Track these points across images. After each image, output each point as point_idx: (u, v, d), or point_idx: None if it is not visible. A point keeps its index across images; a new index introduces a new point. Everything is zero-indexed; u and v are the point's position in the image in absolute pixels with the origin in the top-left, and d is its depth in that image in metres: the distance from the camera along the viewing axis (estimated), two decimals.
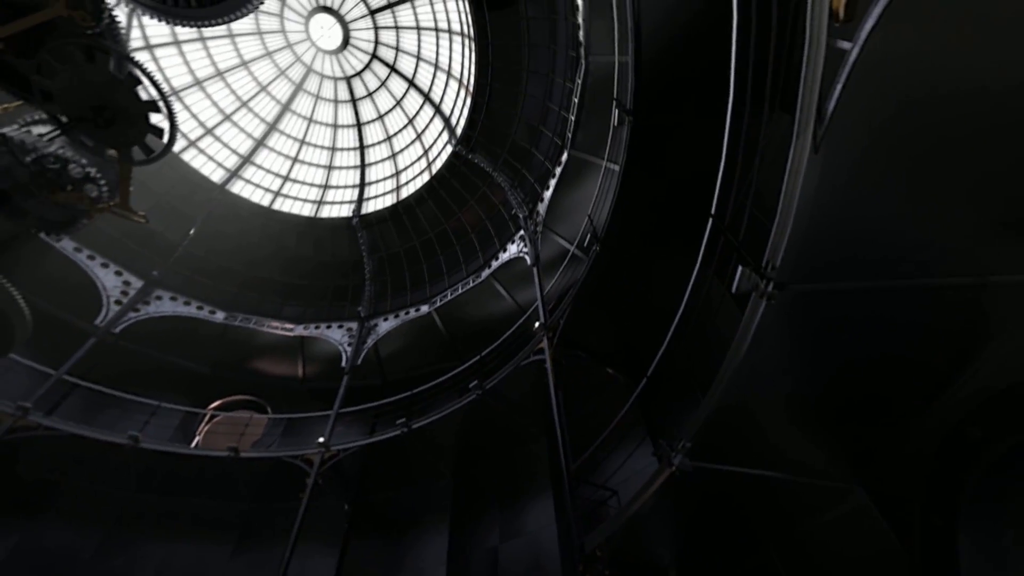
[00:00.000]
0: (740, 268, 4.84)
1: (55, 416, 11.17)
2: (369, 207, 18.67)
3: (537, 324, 11.66)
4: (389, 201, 18.41)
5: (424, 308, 16.26)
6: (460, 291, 15.80)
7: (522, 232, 14.53)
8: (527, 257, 13.69)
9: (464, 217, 17.17)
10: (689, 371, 7.58)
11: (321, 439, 12.39)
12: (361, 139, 20.60)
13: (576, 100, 12.50)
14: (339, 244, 18.27)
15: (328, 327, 16.37)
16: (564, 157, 13.40)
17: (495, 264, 15.29)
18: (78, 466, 11.66)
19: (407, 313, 16.41)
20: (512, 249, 14.86)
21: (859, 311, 5.15)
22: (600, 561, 6.86)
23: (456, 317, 16.08)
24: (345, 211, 18.83)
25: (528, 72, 14.67)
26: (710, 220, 6.60)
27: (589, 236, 11.39)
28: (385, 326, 16.30)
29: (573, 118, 12.73)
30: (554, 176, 13.78)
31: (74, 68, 3.89)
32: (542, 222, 13.96)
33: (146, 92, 4.08)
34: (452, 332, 16.27)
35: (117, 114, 4.01)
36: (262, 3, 4.04)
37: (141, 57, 15.71)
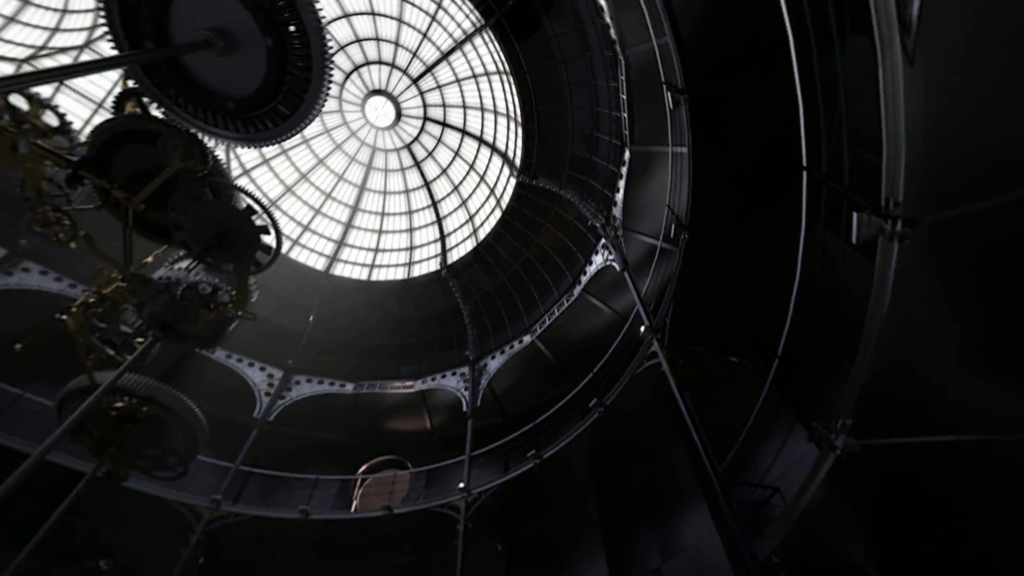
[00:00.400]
0: (855, 215, 4.30)
1: (240, 503, 12.81)
2: (453, 256, 19.57)
3: (643, 328, 11.25)
4: (470, 245, 19.16)
5: (526, 338, 16.44)
6: (556, 314, 15.80)
7: (603, 240, 14.30)
8: (615, 264, 13.39)
9: (543, 241, 17.32)
10: (825, 341, 6.79)
11: (461, 484, 12.81)
12: (432, 196, 21.86)
13: (624, 97, 12.27)
14: (435, 297, 19.27)
15: (443, 376, 17.15)
16: (627, 155, 13.11)
17: (584, 279, 15.13)
18: (265, 544, 13.13)
19: (511, 347, 16.71)
20: (598, 260, 14.64)
21: (1020, 228, 4.31)
22: (778, 567, 6.20)
23: (559, 340, 16.05)
24: (433, 265, 19.90)
25: (569, 86, 14.74)
26: (804, 173, 6.01)
27: (674, 226, 10.90)
28: (494, 364, 16.70)
29: (625, 115, 12.48)
30: (621, 177, 13.49)
31: (198, 208, 4.62)
32: (620, 225, 13.64)
33: (259, 217, 4.73)
34: (558, 355, 16.23)
35: (235, 237, 4.70)
36: (324, 105, 4.53)
37: (242, 181, 18.29)
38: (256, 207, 4.75)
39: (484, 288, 18.57)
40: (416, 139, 21.77)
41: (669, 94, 9.53)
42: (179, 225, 4.66)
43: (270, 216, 4.81)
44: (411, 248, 21.59)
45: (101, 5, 3.92)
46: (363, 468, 16.96)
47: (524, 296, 17.71)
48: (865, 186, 4.52)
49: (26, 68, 15.45)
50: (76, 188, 4.63)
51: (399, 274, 20.49)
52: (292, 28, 3.96)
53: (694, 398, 9.29)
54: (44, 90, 5.21)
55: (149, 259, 6.21)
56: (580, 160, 15.54)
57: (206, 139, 4.65)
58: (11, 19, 17.03)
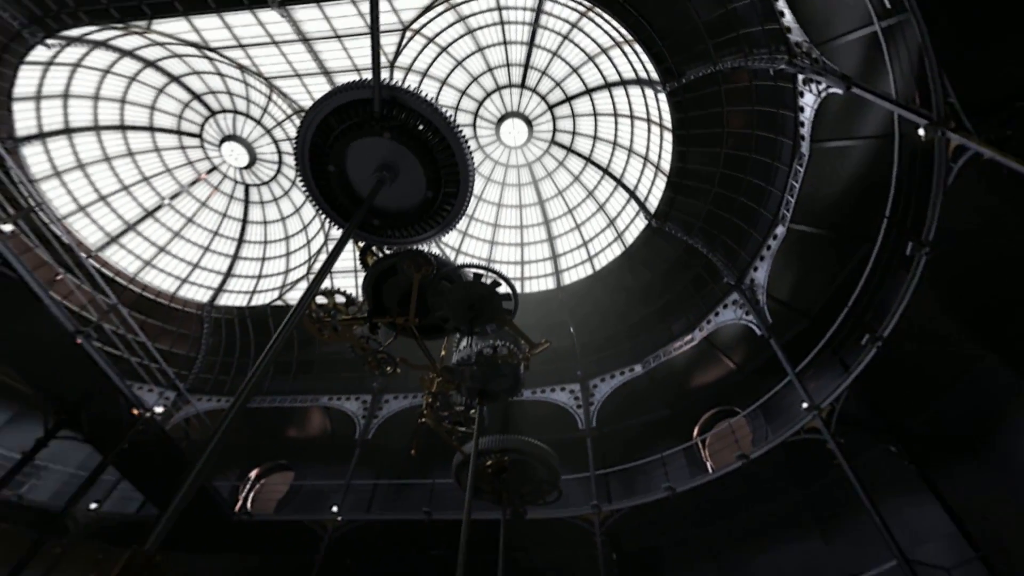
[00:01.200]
0: None
1: (614, 501, 14.27)
2: (653, 201, 18.64)
3: (922, 131, 8.57)
4: (662, 183, 17.99)
5: (779, 230, 14.29)
6: (797, 185, 13.34)
7: (801, 77, 11.62)
8: (833, 88, 10.68)
9: (731, 127, 15.03)
10: None
11: (805, 404, 11.61)
12: (599, 165, 21.53)
13: None
14: (660, 249, 18.54)
15: (716, 315, 16.14)
16: None
17: (805, 130, 12.47)
18: (653, 526, 14.13)
19: (767, 248, 14.74)
20: (808, 100, 11.94)
21: None
22: None
23: (818, 209, 13.44)
24: (640, 222, 19.32)
25: None
26: None
27: None
28: (760, 275, 14.94)
29: None
30: None
31: (447, 298, 5.58)
32: (810, 46, 10.89)
33: (497, 283, 5.49)
34: (828, 225, 13.54)
35: (483, 302, 5.51)
36: (473, 164, 4.99)
37: (460, 259, 21.32)
38: (479, 271, 5.46)
39: (701, 211, 16.98)
40: (555, 130, 22.00)
41: None
42: (444, 317, 5.69)
43: (494, 272, 5.46)
44: (612, 221, 21.47)
45: (317, 209, 5.23)
46: (697, 429, 16.97)
47: (748, 191, 15.51)
48: None
49: (306, 277, 21.48)
50: (377, 332, 6.14)
51: (617, 250, 20.48)
52: (420, 127, 4.54)
53: None
54: (325, 283, 7.15)
55: (443, 352, 7.70)
56: (716, 21, 13.17)
57: (423, 246, 5.62)
58: (288, 253, 23.98)
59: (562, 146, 22.33)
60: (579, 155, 22.04)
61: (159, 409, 14.52)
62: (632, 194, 20.06)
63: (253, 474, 19.34)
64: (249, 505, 18.46)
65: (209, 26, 16.98)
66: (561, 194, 23.24)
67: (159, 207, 22.39)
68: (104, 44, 17.07)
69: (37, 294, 9.85)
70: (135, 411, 12.00)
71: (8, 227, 9.33)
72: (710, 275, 17.20)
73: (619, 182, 20.78)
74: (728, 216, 16.25)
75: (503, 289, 5.59)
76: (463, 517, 4.83)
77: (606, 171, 21.31)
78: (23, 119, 17.55)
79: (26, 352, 11.08)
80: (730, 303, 15.77)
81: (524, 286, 22.14)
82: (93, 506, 14.69)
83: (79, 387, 11.44)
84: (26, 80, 16.55)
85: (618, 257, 19.73)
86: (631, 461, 15.58)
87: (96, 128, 19.89)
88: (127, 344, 14.29)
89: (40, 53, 15.70)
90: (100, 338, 11.97)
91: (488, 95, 21.39)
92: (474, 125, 22.06)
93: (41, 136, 18.39)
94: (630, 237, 19.89)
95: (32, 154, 18.46)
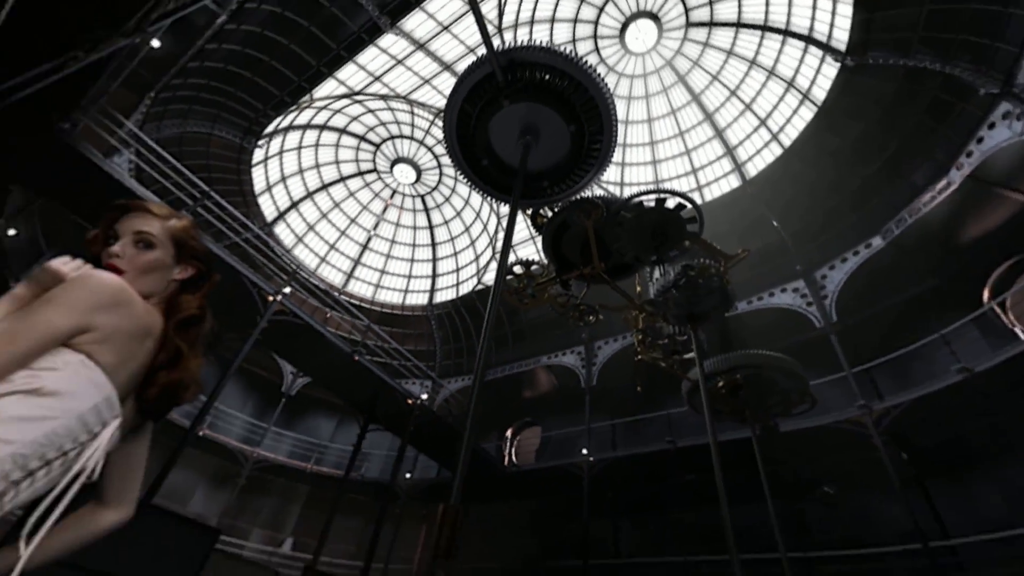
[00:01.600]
0: None
1: (887, 397, 12.30)
2: (839, 35, 14.77)
3: None
4: (847, 8, 14.13)
5: None
6: None
7: None
8: None
9: None
10: None
11: None
12: (754, 26, 17.99)
13: None
14: (866, 89, 14.66)
15: (978, 142, 12.12)
16: None
17: None
18: (947, 415, 11.76)
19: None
20: None
21: None
22: None
23: None
24: (830, 68, 15.58)
25: None
26: None
27: None
28: None
29: None
30: None
31: (624, 231, 5.46)
32: None
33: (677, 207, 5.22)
34: None
35: (664, 227, 5.24)
36: (610, 94, 4.70)
37: (625, 192, 20.45)
38: (649, 197, 5.18)
39: (917, 17, 12.71)
40: (687, 10, 19.13)
41: None
42: (623, 250, 5.60)
43: (664, 191, 5.12)
44: (791, 83, 17.86)
45: (483, 194, 5.61)
46: (988, 291, 13.31)
47: None
48: None
49: (493, 257, 23.13)
50: (570, 287, 6.38)
51: (807, 114, 17.03)
52: (546, 76, 4.46)
53: None
54: (511, 257, 7.68)
55: (638, 288, 7.60)
56: None
57: (586, 192, 5.57)
58: (473, 241, 26.34)
59: (701, 24, 19.28)
60: (725, 24, 18.75)
61: (424, 396, 17.81)
62: (808, 39, 16.27)
63: (509, 433, 22.35)
64: (514, 459, 21.46)
65: (348, 73, 19.34)
66: (716, 79, 20.21)
67: (369, 239, 26.93)
68: (290, 127, 20.97)
69: (320, 331, 12.97)
70: (409, 401, 14.95)
71: (287, 289, 12.43)
72: (955, 94, 12.96)
73: (786, 32, 17.06)
74: (962, 6, 11.91)
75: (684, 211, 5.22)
76: (709, 440, 4.78)
77: (765, 27, 17.69)
78: (266, 208, 22.90)
79: (328, 374, 14.75)
80: (998, 119, 11.68)
81: (703, 195, 20.15)
82: (408, 476, 19.00)
83: (368, 391, 14.78)
84: (258, 178, 21.48)
85: (811, 121, 16.39)
86: (895, 350, 13.09)
87: (309, 195, 24.77)
88: (386, 352, 17.79)
89: (258, 155, 20.13)
90: (368, 352, 15.18)
91: (601, 9, 19.65)
92: (597, 50, 20.60)
93: (280, 216, 23.75)
94: (820, 92, 16.30)
95: (281, 231, 24.01)
